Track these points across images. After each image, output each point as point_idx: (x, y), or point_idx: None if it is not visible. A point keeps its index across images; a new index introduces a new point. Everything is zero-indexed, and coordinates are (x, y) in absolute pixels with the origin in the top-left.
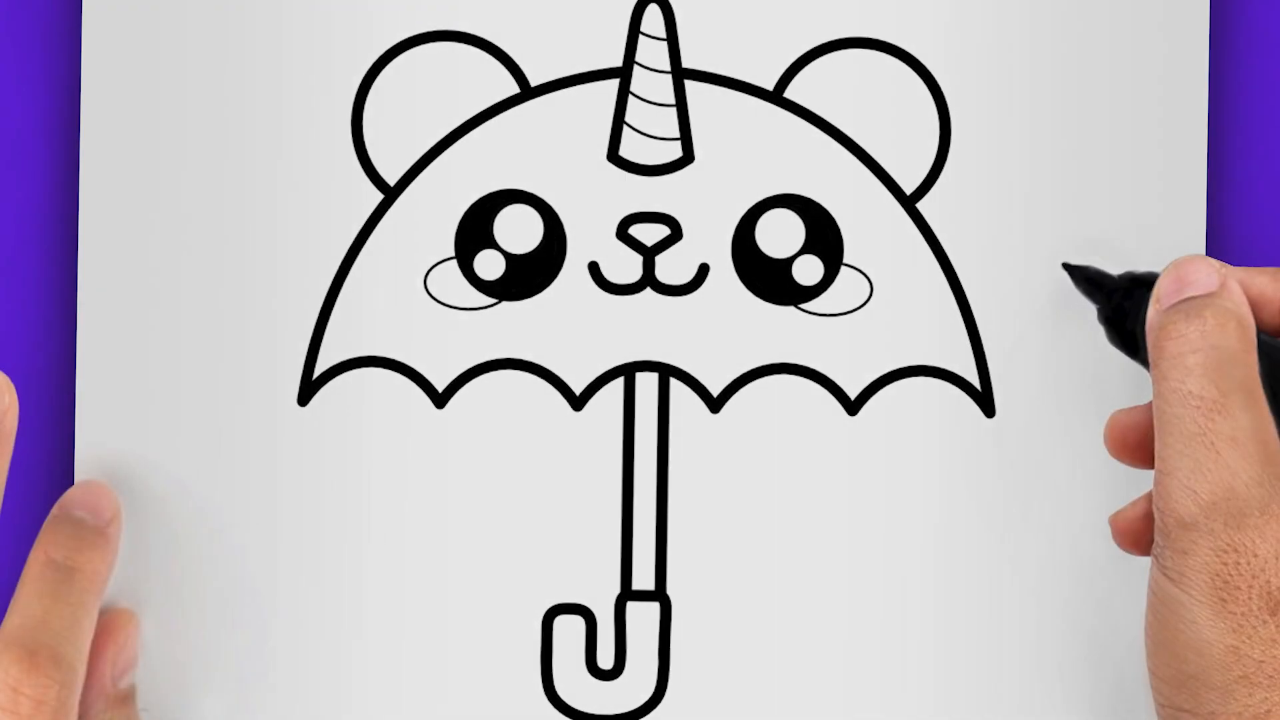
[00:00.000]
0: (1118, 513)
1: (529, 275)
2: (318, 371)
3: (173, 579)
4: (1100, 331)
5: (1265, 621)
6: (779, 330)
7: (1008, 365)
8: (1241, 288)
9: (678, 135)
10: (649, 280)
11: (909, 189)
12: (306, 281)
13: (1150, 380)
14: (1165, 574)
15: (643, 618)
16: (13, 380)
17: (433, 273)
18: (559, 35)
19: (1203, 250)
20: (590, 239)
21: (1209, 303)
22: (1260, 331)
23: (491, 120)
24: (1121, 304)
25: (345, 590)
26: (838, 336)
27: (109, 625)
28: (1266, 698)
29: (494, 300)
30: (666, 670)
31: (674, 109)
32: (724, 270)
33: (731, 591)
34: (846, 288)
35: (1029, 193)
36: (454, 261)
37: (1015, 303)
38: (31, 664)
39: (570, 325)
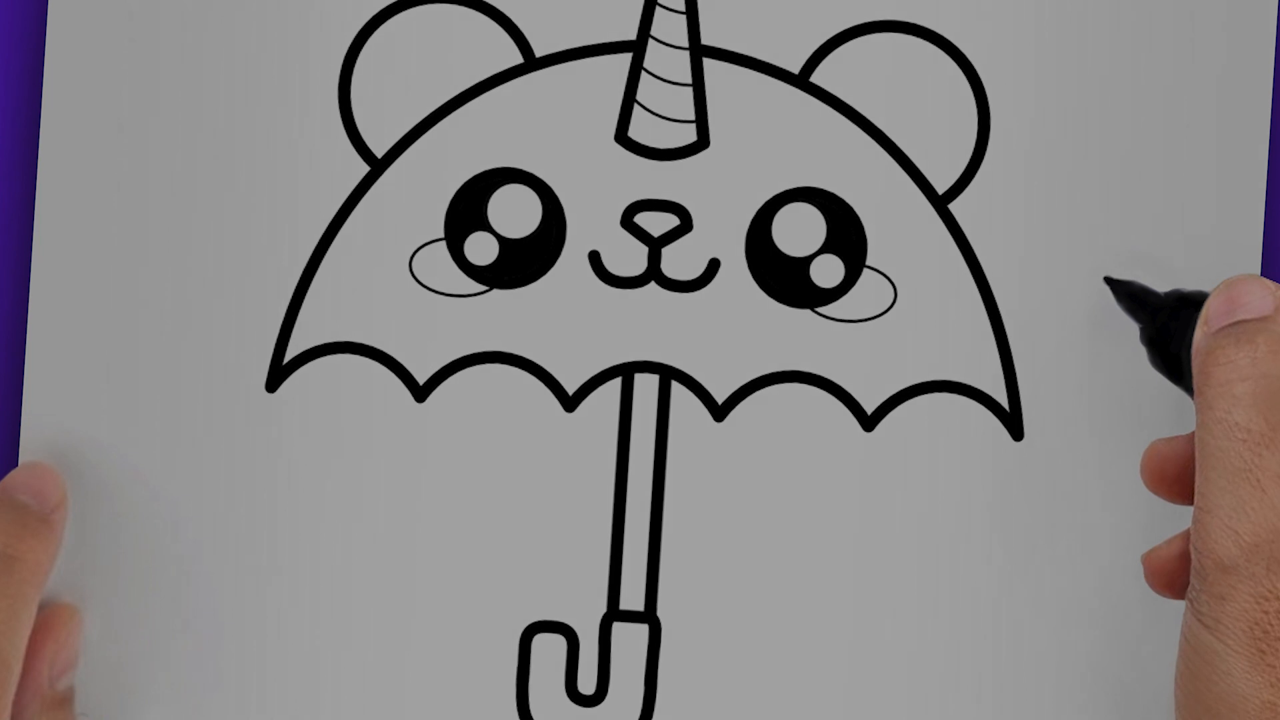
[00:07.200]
0: (1151, 551)
1: (524, 262)
2: (289, 356)
3: (120, 574)
4: (1141, 353)
5: None
6: (792, 335)
7: (1039, 385)
8: None
9: (692, 118)
10: (654, 274)
11: (941, 188)
12: (281, 258)
13: (1194, 408)
14: (1200, 620)
15: (629, 640)
16: None
17: (419, 255)
18: (569, 3)
19: (1258, 270)
20: (592, 226)
21: (1262, 328)
22: None
23: (491, 92)
24: (1166, 324)
25: (307, 595)
26: (856, 345)
27: (49, 621)
28: None
29: (484, 287)
30: (652, 698)
31: (690, 89)
32: (736, 266)
33: (727, 617)
34: (868, 292)
35: (1071, 199)
36: (443, 243)
37: (1051, 318)
38: None
39: (566, 318)
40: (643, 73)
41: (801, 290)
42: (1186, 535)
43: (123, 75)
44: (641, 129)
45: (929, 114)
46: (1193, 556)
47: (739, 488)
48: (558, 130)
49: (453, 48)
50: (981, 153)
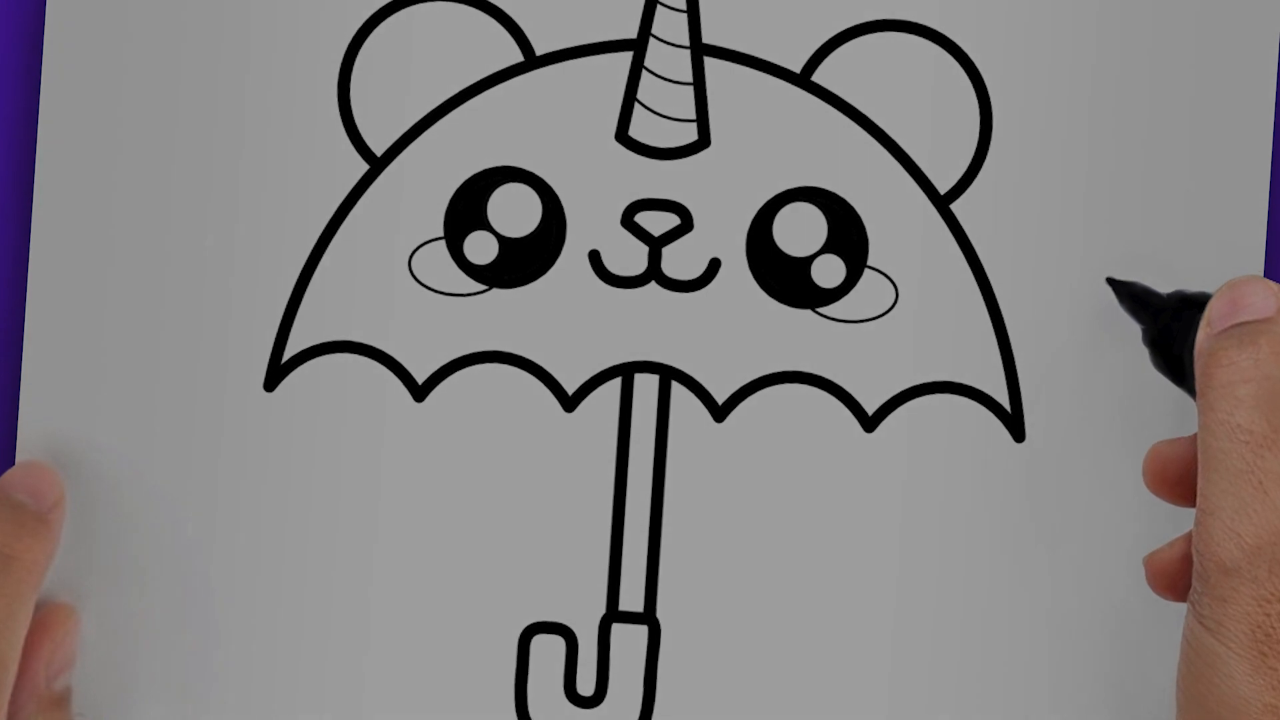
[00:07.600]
0: (1153, 553)
1: (523, 261)
2: (287, 355)
3: (117, 573)
4: (1144, 354)
5: None
6: (793, 335)
7: (1041, 386)
8: None
9: (693, 117)
10: (654, 273)
11: (943, 188)
12: (280, 256)
13: (1196, 410)
14: (1202, 623)
15: (629, 642)
16: None
17: (418, 254)
18: (570, 1)
19: (1260, 271)
20: (592, 225)
21: (1265, 329)
22: None
23: (491, 90)
24: (1169, 325)
25: (304, 595)
26: (857, 345)
27: (45, 620)
28: None
29: (484, 287)
30: (652, 700)
31: (691, 88)
32: (737, 266)
33: (727, 618)
34: (869, 292)
35: (1074, 199)
36: (442, 242)
37: (1053, 318)
38: None
39: (566, 318)
40: (643, 71)
41: (802, 290)
42: (1188, 537)
43: (121, 74)
44: (642, 128)
45: (931, 113)
46: (1195, 559)
47: (739, 488)
48: (558, 129)
49: (453, 46)
50: (983, 153)
